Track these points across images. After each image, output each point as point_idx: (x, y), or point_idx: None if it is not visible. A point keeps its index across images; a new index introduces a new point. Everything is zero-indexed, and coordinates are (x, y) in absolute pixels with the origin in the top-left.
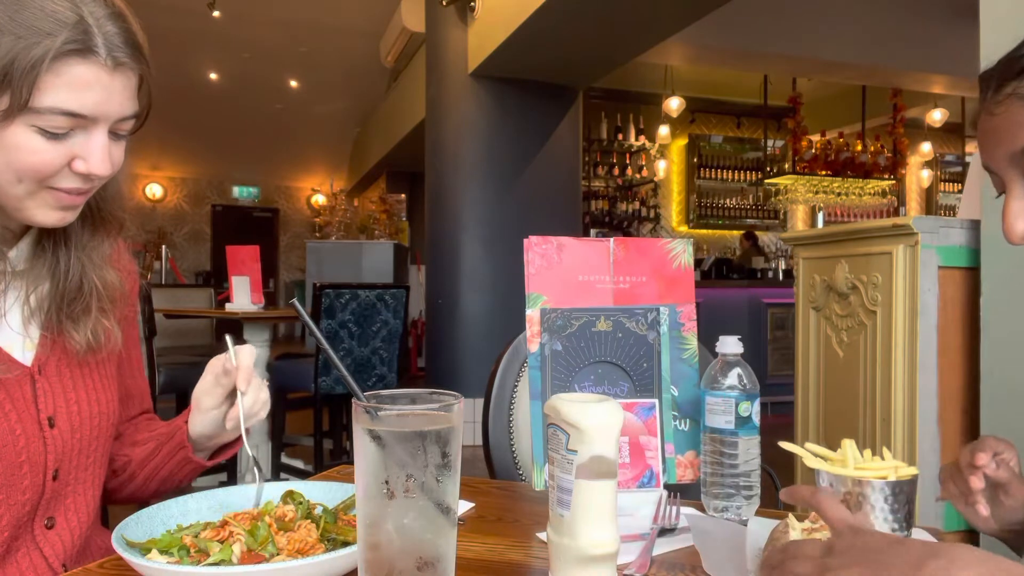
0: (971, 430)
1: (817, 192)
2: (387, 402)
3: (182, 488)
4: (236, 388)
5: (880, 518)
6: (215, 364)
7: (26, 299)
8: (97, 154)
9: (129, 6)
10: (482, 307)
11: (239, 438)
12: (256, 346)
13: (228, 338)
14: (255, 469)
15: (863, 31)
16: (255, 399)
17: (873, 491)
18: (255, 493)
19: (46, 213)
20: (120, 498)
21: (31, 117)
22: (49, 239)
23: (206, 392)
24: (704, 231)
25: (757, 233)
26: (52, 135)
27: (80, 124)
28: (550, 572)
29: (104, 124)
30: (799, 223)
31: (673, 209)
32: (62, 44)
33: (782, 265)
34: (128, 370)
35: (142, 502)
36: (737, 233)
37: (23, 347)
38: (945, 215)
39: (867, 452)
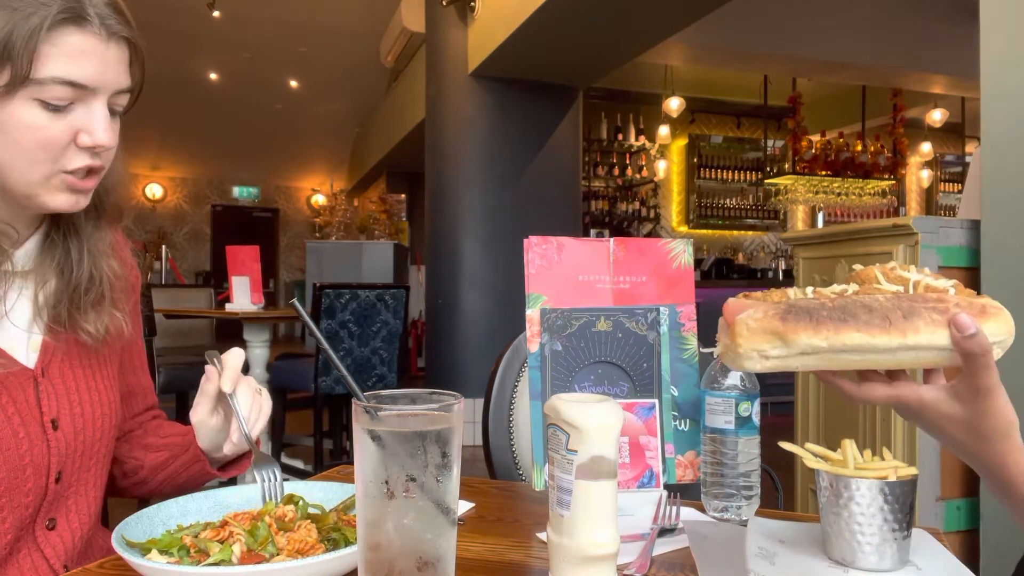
0: None
1: (817, 192)
2: (387, 402)
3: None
4: (231, 405)
5: (880, 518)
6: (204, 377)
7: (34, 297)
8: (100, 125)
9: None
10: (482, 307)
11: (245, 456)
12: (256, 346)
13: (208, 354)
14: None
15: (863, 31)
16: (250, 406)
17: (873, 491)
18: (267, 490)
19: (58, 197)
20: (134, 495)
21: (33, 90)
22: (58, 232)
23: (196, 404)
24: (704, 231)
25: (757, 234)
26: (54, 108)
27: (80, 96)
28: (550, 572)
29: (103, 95)
30: (799, 223)
31: (673, 209)
32: (57, 13)
33: (782, 265)
34: (130, 367)
35: (158, 500)
36: (737, 233)
37: (27, 348)
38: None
39: (867, 452)
